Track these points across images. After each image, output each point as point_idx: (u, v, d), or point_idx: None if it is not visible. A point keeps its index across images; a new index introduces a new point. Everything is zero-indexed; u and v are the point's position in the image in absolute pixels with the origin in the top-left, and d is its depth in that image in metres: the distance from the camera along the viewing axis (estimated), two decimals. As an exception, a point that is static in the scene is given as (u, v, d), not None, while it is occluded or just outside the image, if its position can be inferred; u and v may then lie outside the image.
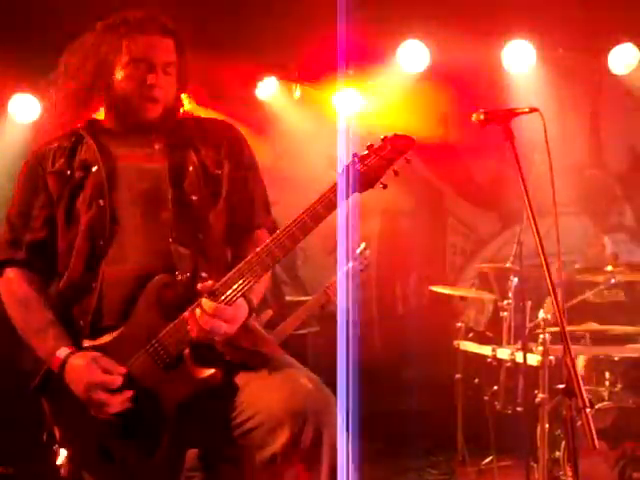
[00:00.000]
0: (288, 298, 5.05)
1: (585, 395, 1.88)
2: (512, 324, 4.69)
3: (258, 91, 5.96)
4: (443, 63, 5.72)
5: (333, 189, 2.17)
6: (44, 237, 2.38)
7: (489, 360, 4.68)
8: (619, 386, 4.37)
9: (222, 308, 2.15)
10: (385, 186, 2.21)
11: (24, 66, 5.24)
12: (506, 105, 2.35)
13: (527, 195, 2.13)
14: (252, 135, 2.59)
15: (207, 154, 2.41)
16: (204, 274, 2.27)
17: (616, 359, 4.42)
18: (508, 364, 4.52)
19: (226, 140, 2.47)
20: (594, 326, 4.61)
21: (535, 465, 4.13)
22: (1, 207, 2.59)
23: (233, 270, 2.18)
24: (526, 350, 4.17)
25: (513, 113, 2.25)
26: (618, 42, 5.56)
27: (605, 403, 4.17)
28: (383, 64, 5.77)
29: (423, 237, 6.44)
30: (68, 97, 2.40)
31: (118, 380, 2.20)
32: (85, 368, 2.20)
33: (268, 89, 5.96)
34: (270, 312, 4.24)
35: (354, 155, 2.20)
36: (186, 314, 2.19)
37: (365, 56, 5.80)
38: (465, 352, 5.02)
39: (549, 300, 4.17)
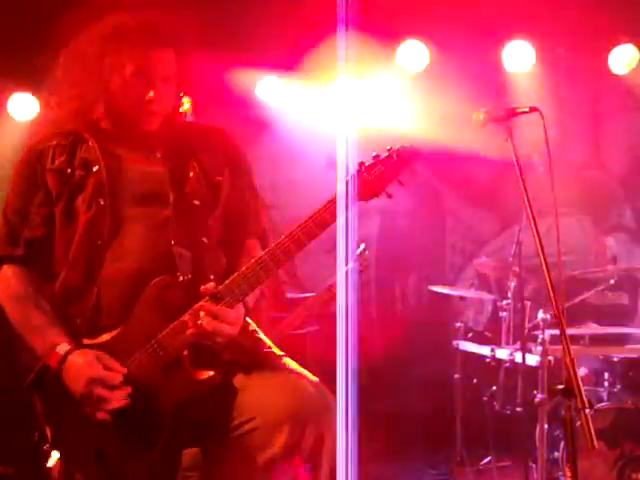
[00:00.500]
0: (290, 295, 5.04)
1: (584, 396, 1.88)
2: (511, 324, 4.70)
3: (257, 90, 5.96)
4: (443, 63, 5.72)
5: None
6: (42, 234, 2.36)
7: (488, 360, 4.68)
8: (618, 387, 4.37)
9: (225, 310, 2.17)
10: (390, 196, 2.27)
11: (23, 65, 5.24)
12: (506, 105, 2.34)
13: (526, 195, 2.13)
14: (251, 135, 2.58)
15: (207, 161, 2.42)
16: (212, 276, 2.28)
17: (615, 360, 4.42)
18: (507, 364, 4.52)
19: (225, 148, 2.49)
20: (593, 327, 4.62)
21: (534, 465, 4.13)
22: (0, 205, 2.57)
23: (236, 273, 2.20)
24: (525, 350, 4.17)
25: (513, 113, 2.25)
26: (618, 42, 5.56)
27: (604, 404, 4.17)
28: (383, 64, 5.77)
29: (422, 237, 6.44)
30: (69, 106, 2.39)
31: (119, 377, 2.20)
32: (87, 364, 2.20)
33: (267, 88, 5.95)
34: (268, 313, 4.23)
35: (360, 164, 2.24)
36: (186, 316, 2.19)
37: (365, 56, 5.81)
38: (464, 352, 5.02)
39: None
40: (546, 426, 4.01)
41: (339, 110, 6.06)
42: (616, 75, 5.78)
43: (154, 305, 2.23)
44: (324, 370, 2.41)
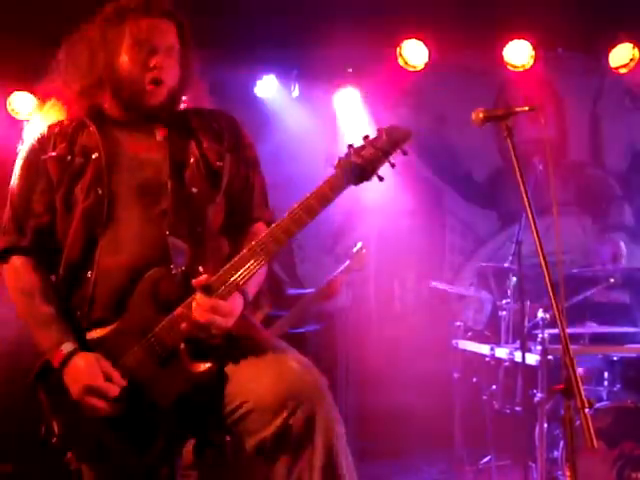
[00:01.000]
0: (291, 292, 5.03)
1: (584, 395, 1.88)
2: (511, 323, 4.69)
3: (257, 89, 5.96)
4: (442, 62, 5.72)
5: (328, 182, 2.14)
6: (47, 222, 2.35)
7: (487, 359, 4.68)
8: (618, 386, 4.37)
9: (218, 302, 2.13)
10: (382, 178, 2.15)
11: (23, 64, 5.24)
12: (505, 104, 2.34)
13: (526, 194, 2.12)
14: (250, 133, 2.57)
15: (209, 146, 2.39)
16: (201, 268, 2.25)
17: (615, 359, 4.42)
18: (507, 363, 4.52)
19: (228, 133, 2.45)
20: (593, 326, 4.61)
21: (533, 465, 4.13)
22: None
23: (228, 264, 2.15)
24: (525, 349, 4.16)
25: (512, 112, 2.24)
26: (618, 42, 5.56)
27: (604, 403, 4.17)
28: (382, 63, 5.77)
29: (422, 236, 6.43)
30: (74, 90, 2.37)
31: (115, 391, 2.18)
32: (87, 370, 2.19)
33: (267, 87, 5.95)
34: (266, 309, 4.23)
35: (349, 146, 2.14)
36: (180, 309, 2.17)
37: (364, 54, 5.81)
38: (463, 351, 5.01)
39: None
40: (545, 425, 4.00)
41: (338, 109, 6.08)
42: (616, 74, 5.77)
43: (149, 298, 2.21)
44: (324, 368, 2.40)
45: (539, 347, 4.08)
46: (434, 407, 5.27)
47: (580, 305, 4.75)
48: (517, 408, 4.42)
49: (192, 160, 2.36)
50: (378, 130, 2.15)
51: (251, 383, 2.20)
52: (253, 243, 2.15)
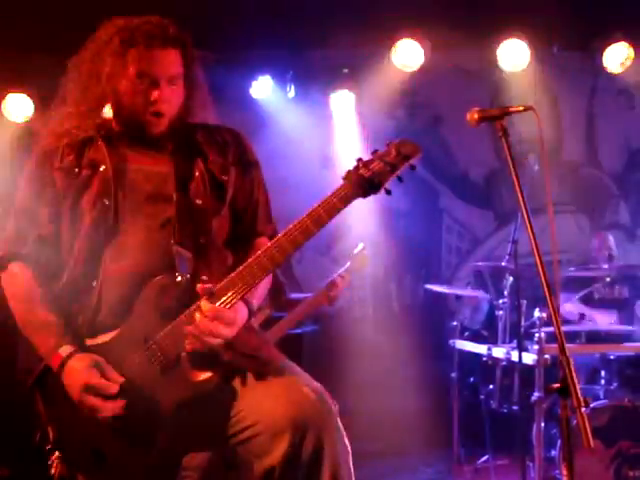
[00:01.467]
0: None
1: (580, 394, 1.88)
2: (507, 323, 4.70)
3: (252, 90, 5.96)
4: (438, 62, 5.72)
5: (336, 193, 2.14)
6: (50, 233, 2.36)
7: (485, 359, 4.68)
8: (615, 385, 4.38)
9: (221, 310, 2.14)
10: (389, 192, 2.17)
11: (18, 66, 5.23)
12: (500, 104, 2.34)
13: (521, 193, 2.12)
14: (246, 134, 2.57)
15: (214, 160, 2.41)
16: (204, 277, 2.26)
17: (612, 357, 4.43)
18: (504, 363, 4.52)
19: (233, 147, 2.47)
20: (589, 325, 4.62)
21: (531, 464, 4.14)
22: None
23: (233, 273, 2.17)
24: (521, 349, 4.17)
25: (507, 111, 2.24)
26: (612, 41, 5.56)
27: (601, 402, 4.18)
28: (378, 63, 5.77)
29: (419, 236, 6.44)
30: (80, 109, 2.39)
31: (114, 388, 2.19)
32: (84, 370, 2.19)
33: (262, 88, 5.95)
34: (267, 311, 4.23)
35: (358, 159, 2.16)
36: (183, 317, 2.18)
37: (360, 55, 5.81)
38: (461, 351, 5.02)
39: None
40: (543, 424, 4.01)
41: (334, 109, 6.07)
42: (610, 73, 5.78)
43: (152, 305, 2.22)
44: (321, 369, 2.40)
45: (536, 346, 4.08)
46: (432, 407, 5.27)
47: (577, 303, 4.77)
48: (514, 407, 4.42)
49: (197, 174, 2.38)
50: (387, 144, 2.16)
51: (263, 405, 2.20)
52: (259, 252, 2.16)
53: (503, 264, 4.65)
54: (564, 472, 1.94)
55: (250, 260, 2.16)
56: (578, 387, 1.90)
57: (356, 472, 2.27)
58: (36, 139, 2.52)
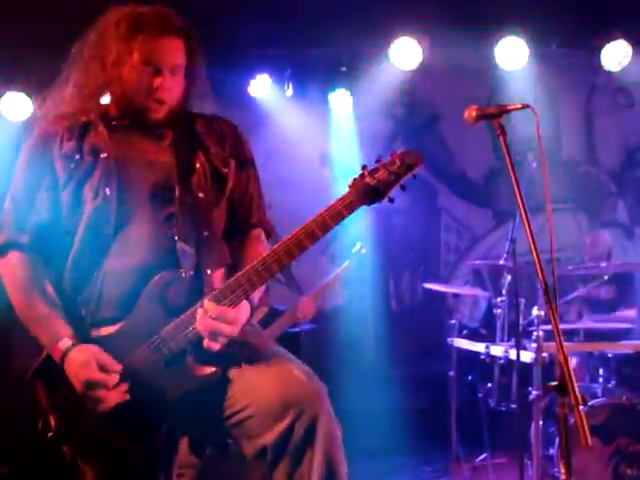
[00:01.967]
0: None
1: (578, 392, 1.88)
2: (506, 321, 4.70)
3: (251, 89, 5.96)
4: (436, 61, 5.72)
5: (342, 200, 2.19)
6: (49, 220, 2.34)
7: (483, 357, 4.69)
8: (613, 383, 4.38)
9: (225, 310, 2.17)
10: (392, 200, 2.22)
11: (16, 64, 5.23)
12: (499, 102, 2.34)
13: (519, 191, 2.12)
14: (244, 133, 2.58)
15: (215, 152, 2.43)
16: (209, 271, 2.29)
17: (610, 355, 4.43)
18: (502, 361, 4.53)
19: (230, 139, 2.48)
20: (587, 323, 4.62)
21: (529, 462, 4.14)
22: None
23: (240, 272, 2.20)
24: (519, 347, 4.17)
25: (505, 110, 2.24)
26: (611, 39, 5.56)
27: (599, 400, 4.18)
28: (376, 62, 5.77)
29: (417, 235, 6.44)
30: (82, 92, 2.38)
31: (114, 378, 2.20)
32: (83, 364, 2.20)
33: (261, 87, 5.95)
34: (265, 309, 4.23)
35: (364, 167, 2.21)
36: (187, 314, 2.21)
37: (358, 54, 5.81)
38: (459, 349, 5.02)
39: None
40: (541, 423, 4.01)
41: (332, 108, 6.07)
42: (609, 72, 5.79)
43: (156, 301, 2.24)
44: (319, 367, 2.40)
45: (534, 344, 4.08)
46: (430, 405, 5.28)
47: (574, 301, 4.77)
48: (512, 406, 4.43)
49: (198, 165, 2.38)
50: (392, 154, 2.23)
51: (255, 388, 2.24)
52: (265, 255, 2.19)
53: (501, 262, 4.65)
54: (562, 470, 1.94)
55: (257, 261, 2.19)
56: (576, 385, 1.90)
57: (354, 470, 2.28)
58: (35, 120, 2.50)
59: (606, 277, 4.86)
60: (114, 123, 2.38)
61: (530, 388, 4.11)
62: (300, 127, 6.03)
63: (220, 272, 2.22)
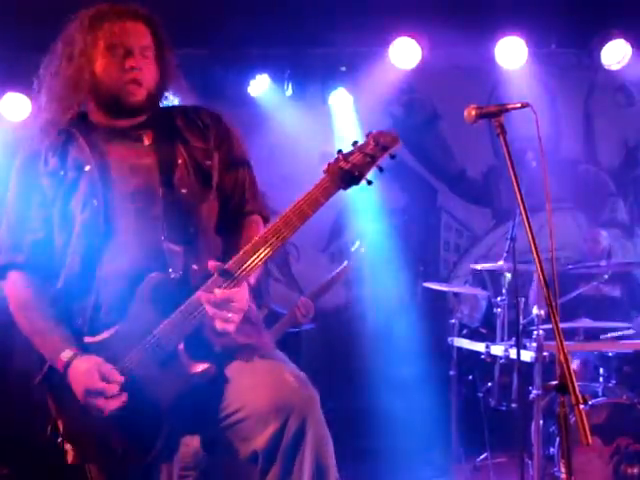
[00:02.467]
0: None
1: (578, 391, 1.88)
2: (506, 320, 4.69)
3: (250, 88, 5.96)
4: (435, 60, 5.72)
5: (318, 187, 2.18)
6: (43, 237, 2.38)
7: (483, 357, 4.68)
8: (613, 382, 4.38)
9: (233, 292, 2.16)
10: (370, 182, 2.19)
11: (14, 65, 5.23)
12: (498, 102, 2.34)
13: (519, 190, 2.12)
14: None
15: (196, 145, 2.42)
16: (195, 267, 2.29)
17: (610, 355, 4.43)
18: (502, 361, 4.52)
19: (214, 130, 2.47)
20: (588, 322, 4.62)
21: (530, 461, 4.14)
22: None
23: (244, 249, 2.19)
24: (520, 346, 4.16)
25: (505, 109, 2.24)
26: (610, 38, 5.56)
27: (599, 399, 4.18)
28: (375, 61, 5.77)
29: (417, 234, 6.44)
30: (56, 95, 2.39)
31: (115, 388, 2.23)
32: (85, 374, 2.24)
33: (260, 86, 5.95)
34: (265, 310, 4.24)
35: (338, 152, 2.19)
36: (178, 312, 2.21)
37: (357, 53, 5.81)
38: (459, 349, 5.02)
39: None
40: (541, 422, 4.01)
41: (332, 107, 6.07)
42: (609, 71, 5.79)
43: (148, 302, 2.25)
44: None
45: (534, 344, 4.08)
46: (430, 405, 5.27)
47: (574, 301, 4.76)
48: (513, 405, 4.42)
49: (180, 161, 2.38)
50: (366, 136, 2.20)
51: (248, 391, 2.24)
52: (266, 229, 2.19)
53: (501, 262, 4.65)
54: (563, 469, 1.94)
55: (258, 237, 2.18)
56: (576, 384, 1.90)
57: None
58: (21, 140, 2.52)
59: (606, 276, 4.85)
60: (91, 132, 2.39)
61: (530, 387, 4.11)
62: (300, 127, 6.03)
63: (212, 263, 2.19)
